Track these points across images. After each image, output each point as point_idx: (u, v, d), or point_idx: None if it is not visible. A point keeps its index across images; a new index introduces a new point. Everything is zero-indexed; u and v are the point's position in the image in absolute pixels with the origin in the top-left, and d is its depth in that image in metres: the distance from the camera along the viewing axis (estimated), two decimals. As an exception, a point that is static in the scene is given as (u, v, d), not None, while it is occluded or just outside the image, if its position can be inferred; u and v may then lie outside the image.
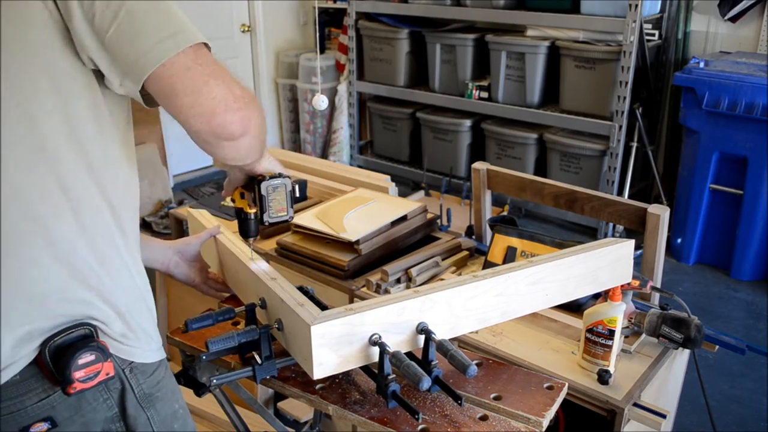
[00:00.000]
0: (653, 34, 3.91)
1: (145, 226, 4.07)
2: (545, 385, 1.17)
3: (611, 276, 1.40)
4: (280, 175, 1.18)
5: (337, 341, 1.04)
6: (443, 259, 1.89)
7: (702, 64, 3.41)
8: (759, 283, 3.45)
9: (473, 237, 2.12)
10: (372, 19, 4.62)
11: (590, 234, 3.92)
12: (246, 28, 5.03)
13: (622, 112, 3.62)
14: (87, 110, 0.93)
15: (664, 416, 1.34)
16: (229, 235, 1.46)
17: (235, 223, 1.30)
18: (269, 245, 2.06)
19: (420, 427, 1.06)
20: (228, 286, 1.46)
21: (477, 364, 1.09)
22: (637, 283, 1.51)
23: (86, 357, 0.92)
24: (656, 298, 1.72)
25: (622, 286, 1.41)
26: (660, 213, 1.70)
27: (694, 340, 1.44)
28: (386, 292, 1.76)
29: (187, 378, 1.29)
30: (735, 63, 3.42)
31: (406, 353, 1.08)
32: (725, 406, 2.54)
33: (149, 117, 4.23)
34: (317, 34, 4.90)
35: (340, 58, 4.93)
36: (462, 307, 1.17)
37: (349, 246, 1.86)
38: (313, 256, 1.90)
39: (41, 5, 0.87)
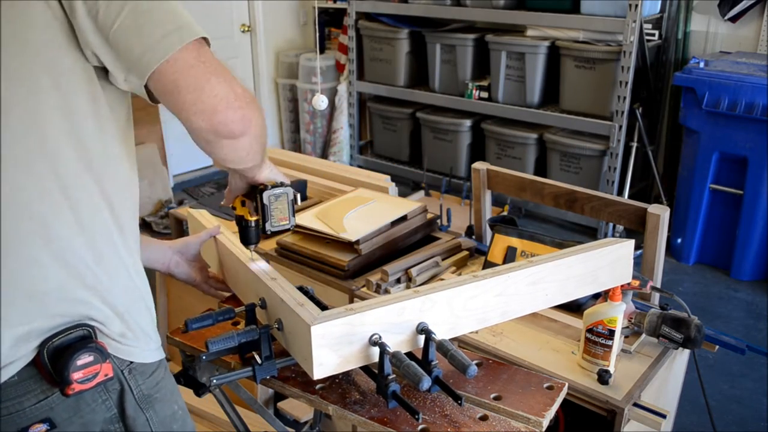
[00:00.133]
0: (653, 34, 3.91)
1: (145, 226, 4.07)
2: (545, 385, 1.17)
3: (611, 276, 1.40)
4: (281, 184, 1.19)
5: (337, 341, 1.04)
6: (443, 259, 1.89)
7: (702, 64, 3.41)
8: (759, 283, 3.45)
9: (473, 237, 2.12)
10: (372, 19, 4.62)
11: (590, 234, 3.92)
12: (246, 28, 5.03)
13: (622, 112, 3.62)
14: (87, 107, 0.93)
15: (664, 416, 1.34)
16: (229, 235, 1.46)
17: (235, 222, 1.31)
18: (269, 245, 2.06)
19: (420, 427, 1.06)
20: (228, 286, 1.46)
21: (477, 364, 1.09)
22: (637, 283, 1.51)
23: (85, 358, 0.92)
24: (656, 298, 1.72)
25: (622, 286, 1.41)
26: (660, 213, 1.70)
27: (694, 340, 1.44)
28: (386, 292, 1.76)
29: (187, 378, 1.29)
30: (735, 63, 3.42)
31: (406, 353, 1.08)
32: (725, 406, 2.54)
33: (149, 117, 4.23)
34: (317, 34, 4.90)
35: (340, 58, 4.93)
36: (462, 307, 1.17)
37: (349, 246, 1.86)
38: (313, 256, 1.90)
39: (44, 5, 0.87)
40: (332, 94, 4.95)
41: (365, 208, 2.02)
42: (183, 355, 1.34)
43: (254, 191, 1.20)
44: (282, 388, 1.19)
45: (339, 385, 1.16)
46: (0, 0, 0.87)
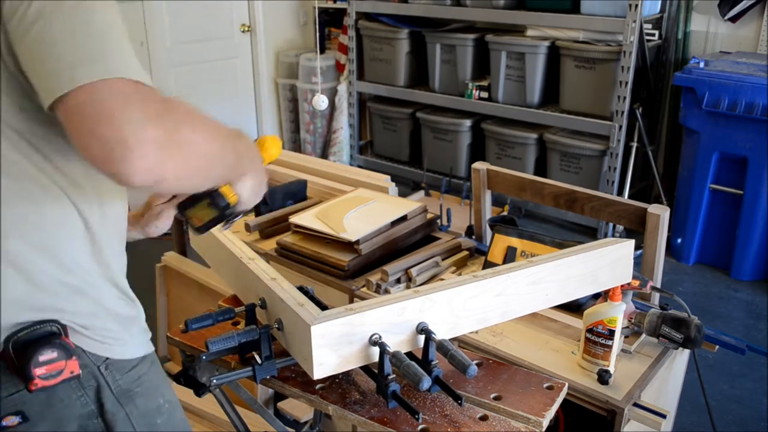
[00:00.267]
0: (653, 34, 3.91)
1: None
2: (545, 385, 1.17)
3: (611, 276, 1.40)
4: (210, 192, 1.06)
5: (337, 341, 1.04)
6: (443, 259, 1.89)
7: (702, 64, 3.41)
8: (759, 283, 3.45)
9: (473, 237, 2.12)
10: (372, 19, 4.62)
11: (590, 234, 3.92)
12: (246, 28, 5.02)
13: (622, 112, 3.62)
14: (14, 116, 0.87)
15: (664, 416, 1.34)
16: (229, 234, 1.46)
17: (236, 222, 1.30)
18: (269, 245, 2.06)
19: (420, 427, 1.06)
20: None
21: (477, 364, 1.09)
22: (637, 283, 1.51)
23: (47, 354, 0.91)
24: (656, 298, 1.72)
25: (622, 286, 1.41)
26: (660, 213, 1.70)
27: (694, 340, 1.44)
28: (386, 292, 1.76)
29: (187, 378, 1.29)
30: (735, 63, 3.42)
31: (406, 353, 1.08)
32: (725, 406, 2.54)
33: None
34: (317, 34, 4.90)
35: (340, 58, 4.93)
36: (462, 307, 1.17)
37: (349, 246, 1.86)
38: (313, 256, 1.90)
39: None
40: (332, 94, 4.95)
41: (365, 208, 2.02)
42: (183, 355, 1.34)
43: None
44: (282, 388, 1.19)
45: (339, 385, 1.16)
46: None
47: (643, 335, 1.53)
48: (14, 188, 0.89)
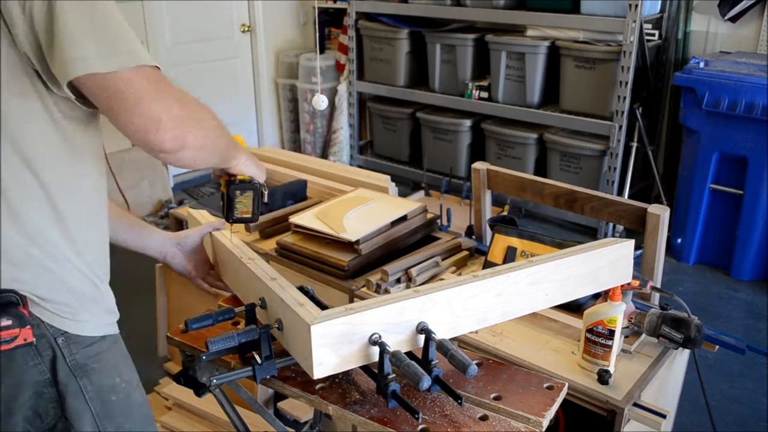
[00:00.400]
0: (653, 34, 3.91)
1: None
2: (545, 385, 1.17)
3: (611, 276, 1.40)
4: (251, 180, 1.27)
5: (337, 341, 1.04)
6: (443, 259, 1.89)
7: (702, 64, 3.41)
8: (759, 283, 3.45)
9: (473, 237, 2.12)
10: (372, 19, 4.62)
11: (590, 234, 3.92)
12: (246, 28, 5.03)
13: (622, 112, 3.62)
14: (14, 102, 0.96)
15: (664, 416, 1.34)
16: (228, 234, 1.46)
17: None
18: (269, 245, 2.06)
19: (420, 427, 1.06)
20: (227, 287, 1.47)
21: (477, 364, 1.09)
22: (637, 283, 1.51)
23: (3, 321, 0.99)
24: (656, 298, 1.72)
25: (622, 286, 1.41)
26: (660, 213, 1.70)
27: (694, 340, 1.44)
28: (386, 292, 1.76)
29: (187, 378, 1.29)
30: (735, 63, 3.42)
31: (406, 353, 1.08)
32: (725, 406, 2.54)
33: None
34: (317, 34, 4.90)
35: (340, 58, 4.93)
36: (462, 307, 1.17)
37: (349, 246, 1.86)
38: (313, 256, 1.90)
39: None
40: (332, 94, 4.95)
41: (365, 208, 2.02)
42: (183, 355, 1.34)
43: (229, 180, 1.28)
44: (282, 388, 1.19)
45: (339, 385, 1.16)
46: None
47: (643, 335, 1.53)
48: None
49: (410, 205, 2.03)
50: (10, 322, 0.99)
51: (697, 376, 1.69)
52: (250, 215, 1.31)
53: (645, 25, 3.61)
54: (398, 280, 1.80)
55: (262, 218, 2.14)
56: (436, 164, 4.45)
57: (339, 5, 4.87)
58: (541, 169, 4.12)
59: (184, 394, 2.28)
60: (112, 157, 3.96)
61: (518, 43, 3.97)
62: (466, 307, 1.18)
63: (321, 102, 3.24)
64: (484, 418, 1.09)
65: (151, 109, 0.95)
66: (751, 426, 2.45)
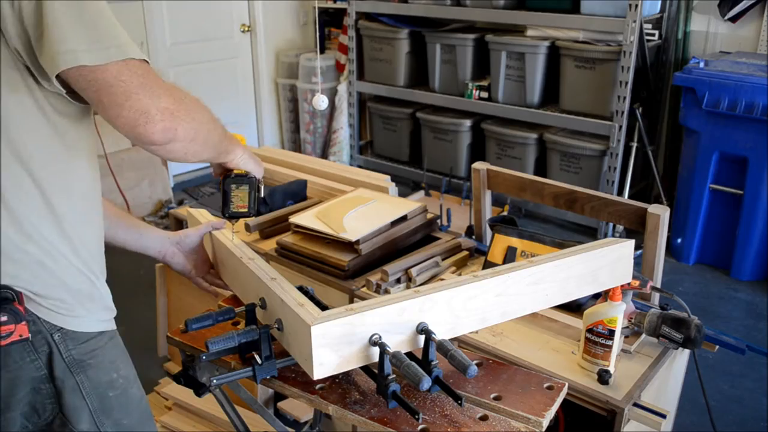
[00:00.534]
0: (653, 34, 3.91)
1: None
2: (545, 385, 1.17)
3: (611, 276, 1.40)
4: (246, 174, 1.27)
5: (337, 341, 1.04)
6: (443, 259, 1.89)
7: (702, 64, 3.41)
8: (759, 283, 3.45)
9: (473, 237, 2.12)
10: (372, 19, 4.62)
11: (590, 234, 3.92)
12: (246, 28, 5.03)
13: (622, 112, 3.62)
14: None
15: (664, 416, 1.34)
16: (228, 233, 1.46)
17: (235, 222, 1.35)
18: (269, 245, 2.06)
19: (420, 427, 1.06)
20: (225, 284, 1.47)
21: (477, 364, 1.09)
22: (637, 283, 1.51)
23: None
24: (656, 298, 1.72)
25: (622, 286, 1.41)
26: (660, 213, 1.70)
27: (694, 340, 1.44)
28: (386, 292, 1.76)
29: (187, 378, 1.29)
30: (735, 63, 3.42)
31: (406, 353, 1.08)
32: (725, 406, 2.54)
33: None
34: (317, 34, 4.91)
35: (340, 58, 4.93)
36: (462, 307, 1.17)
37: (349, 246, 1.86)
38: (313, 256, 1.90)
39: None
40: (332, 94, 4.95)
41: (365, 208, 2.02)
42: (183, 355, 1.34)
43: (225, 175, 1.29)
44: (282, 388, 1.19)
45: (339, 385, 1.16)
46: None
47: (643, 335, 1.53)
48: None
49: (410, 205, 2.03)
50: (5, 318, 1.00)
51: (697, 376, 1.69)
52: (246, 210, 1.30)
53: (645, 25, 3.61)
54: (398, 280, 1.80)
55: (262, 218, 2.14)
56: (436, 164, 4.45)
57: (339, 5, 4.87)
58: (541, 169, 4.12)
59: (184, 394, 2.28)
60: (112, 157, 3.96)
61: (518, 43, 3.97)
62: (466, 307, 1.18)
63: (321, 102, 3.23)
64: (484, 418, 1.09)
65: (140, 102, 0.95)
66: (751, 426, 2.45)
